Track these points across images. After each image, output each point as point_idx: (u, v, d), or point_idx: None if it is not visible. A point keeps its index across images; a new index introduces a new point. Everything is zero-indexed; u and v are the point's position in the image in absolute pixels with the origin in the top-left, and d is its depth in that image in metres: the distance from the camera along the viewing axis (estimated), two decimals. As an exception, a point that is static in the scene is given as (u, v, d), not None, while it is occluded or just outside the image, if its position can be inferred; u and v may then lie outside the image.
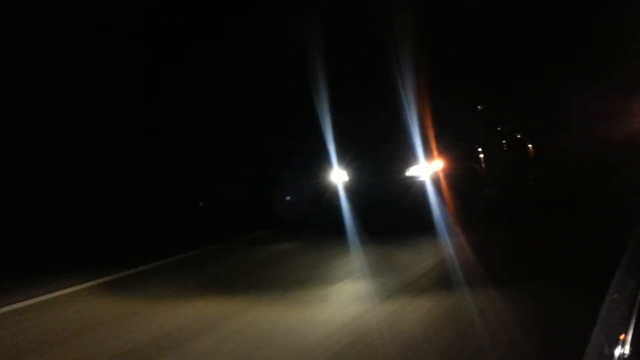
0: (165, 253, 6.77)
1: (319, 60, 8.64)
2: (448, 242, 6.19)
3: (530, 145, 9.57)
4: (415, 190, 7.20)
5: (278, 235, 7.66)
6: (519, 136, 9.41)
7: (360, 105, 8.05)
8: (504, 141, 8.84)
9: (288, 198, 8.38)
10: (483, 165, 7.83)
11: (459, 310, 4.01)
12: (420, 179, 7.21)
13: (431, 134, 7.30)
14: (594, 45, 12.40)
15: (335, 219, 7.30)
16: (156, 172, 8.34)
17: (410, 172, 7.29)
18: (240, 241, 7.60)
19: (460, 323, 3.73)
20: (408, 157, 7.27)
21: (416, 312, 4.06)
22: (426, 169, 7.23)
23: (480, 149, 7.86)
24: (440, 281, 4.82)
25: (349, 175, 7.63)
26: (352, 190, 7.54)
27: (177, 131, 8.87)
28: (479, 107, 8.58)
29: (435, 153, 7.27)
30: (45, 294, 5.31)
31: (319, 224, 7.64)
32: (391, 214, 7.23)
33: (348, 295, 4.76)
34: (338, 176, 7.69)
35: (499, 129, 8.74)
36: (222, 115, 9.17)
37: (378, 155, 7.54)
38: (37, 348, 3.92)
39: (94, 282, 5.69)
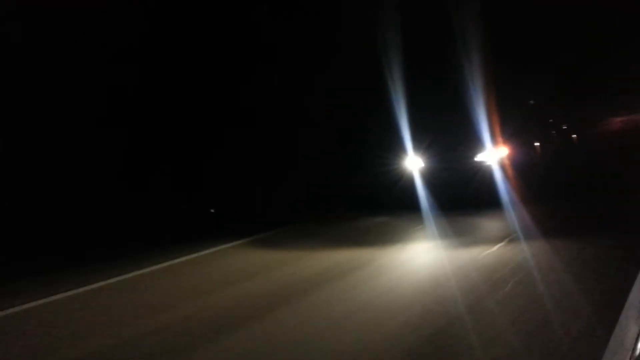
0: (280, 223, 8.28)
1: (394, 58, 9.86)
2: (511, 213, 7.51)
3: (574, 136, 10.82)
4: (483, 173, 8.45)
5: (366, 213, 8.94)
6: (564, 127, 10.65)
7: (433, 98, 9.25)
8: (553, 131, 10.08)
9: (368, 182, 9.60)
10: (539, 151, 9.07)
11: (514, 253, 5.34)
12: (488, 164, 8.47)
13: (497, 124, 8.54)
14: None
15: (411, 199, 8.59)
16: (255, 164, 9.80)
17: (479, 157, 8.55)
18: (338, 215, 9.12)
19: (515, 263, 4.98)
20: (477, 144, 8.52)
21: (475, 254, 5.50)
22: (493, 154, 8.48)
23: (536, 138, 9.11)
24: (500, 238, 6.16)
25: (424, 161, 8.89)
26: (427, 174, 8.80)
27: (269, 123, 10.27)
28: (531, 101, 9.82)
29: (500, 141, 8.52)
30: (209, 248, 6.88)
31: (397, 204, 8.86)
32: (462, 194, 8.46)
33: (431, 247, 6.37)
34: (413, 162, 8.95)
35: (550, 120, 9.97)
36: (307, 111, 10.50)
37: (450, 143, 8.77)
38: (228, 282, 5.32)
39: (239, 241, 7.25)
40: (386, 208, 8.91)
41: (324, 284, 4.96)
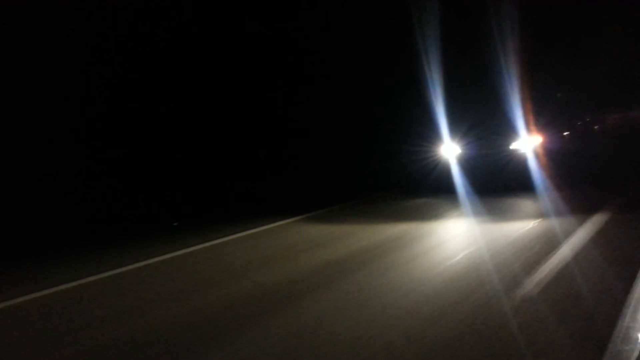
0: (330, 204, 8.92)
1: (433, 50, 10.44)
2: (544, 196, 8.18)
3: (596, 127, 11.45)
4: (518, 160, 9.07)
5: (406, 195, 9.57)
6: (587, 119, 11.28)
7: (470, 88, 9.82)
8: (579, 122, 10.70)
9: (408, 168, 10.20)
10: (568, 140, 9.70)
11: (543, 228, 6.07)
12: (523, 151, 9.08)
13: (530, 115, 9.14)
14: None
15: (448, 184, 9.21)
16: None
17: (515, 145, 9.15)
18: (381, 197, 9.75)
19: (541, 235, 5.69)
20: (512, 133, 9.12)
21: (504, 228, 6.25)
22: (527, 143, 9.09)
23: (565, 128, 9.74)
24: (531, 215, 6.92)
25: (460, 148, 9.48)
26: (463, 161, 9.40)
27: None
28: (559, 94, 10.42)
29: (534, 130, 9.13)
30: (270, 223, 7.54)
31: (435, 188, 9.46)
32: (498, 180, 9.06)
33: (465, 222, 7.05)
34: (450, 149, 9.55)
35: (576, 112, 10.59)
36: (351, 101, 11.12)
37: (487, 131, 9.36)
38: (290, 252, 5.91)
39: (296, 218, 7.86)
40: (425, 192, 9.51)
41: (388, 253, 5.57)
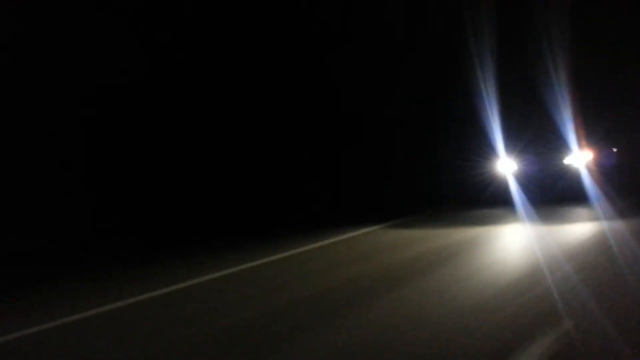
0: (406, 213, 10.12)
1: (488, 73, 11.41)
2: (596, 206, 9.03)
3: (643, 142, 12.11)
4: (572, 174, 9.88)
5: (469, 207, 10.46)
6: (635, 135, 11.96)
7: (524, 107, 10.68)
8: (627, 139, 11.40)
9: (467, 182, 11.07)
10: (618, 155, 10.46)
11: (595, 231, 7.18)
12: (576, 166, 9.89)
13: (582, 132, 9.96)
14: None
15: (505, 197, 10.05)
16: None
17: (568, 160, 9.97)
18: (445, 208, 10.81)
19: (594, 236, 6.75)
20: (565, 149, 9.95)
21: (561, 231, 7.42)
22: (580, 158, 9.89)
23: (614, 144, 10.51)
24: (585, 219, 8.20)
25: (516, 164, 10.32)
26: (519, 176, 10.24)
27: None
28: (607, 113, 11.19)
29: (585, 146, 9.94)
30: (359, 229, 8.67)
31: (493, 201, 10.28)
32: (553, 193, 9.84)
33: (524, 227, 8.32)
34: (507, 165, 10.39)
35: (624, 129, 11.31)
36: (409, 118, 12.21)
37: (542, 147, 10.19)
38: (371, 254, 6.90)
39: (379, 226, 8.96)
40: (483, 204, 10.37)
41: (469, 249, 6.91)
